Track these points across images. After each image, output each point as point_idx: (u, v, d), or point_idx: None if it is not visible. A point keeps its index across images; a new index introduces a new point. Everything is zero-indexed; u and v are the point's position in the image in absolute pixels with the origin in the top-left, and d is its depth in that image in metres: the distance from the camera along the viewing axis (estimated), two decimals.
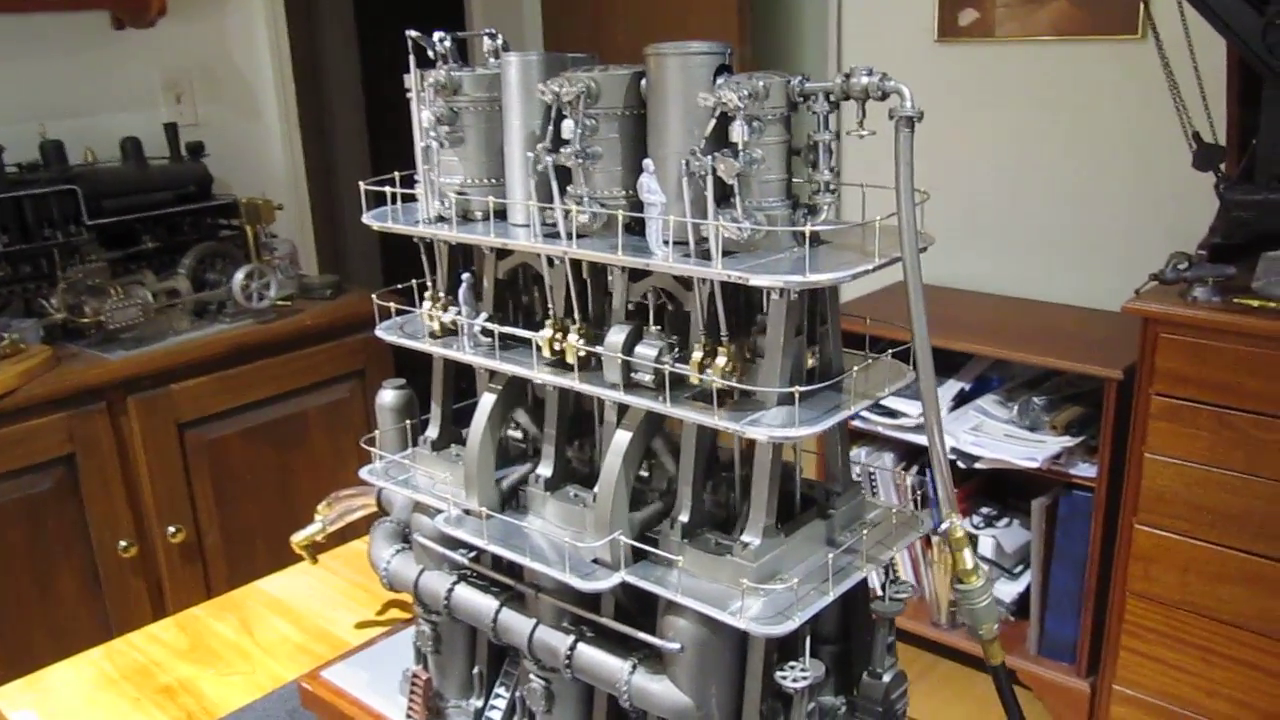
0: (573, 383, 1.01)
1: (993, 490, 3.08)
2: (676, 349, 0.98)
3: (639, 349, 0.98)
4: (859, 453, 3.06)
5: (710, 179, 0.89)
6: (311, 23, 4.53)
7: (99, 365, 2.43)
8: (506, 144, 1.07)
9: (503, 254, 1.13)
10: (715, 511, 1.05)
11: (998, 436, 2.74)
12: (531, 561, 1.02)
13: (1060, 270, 3.04)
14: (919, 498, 3.08)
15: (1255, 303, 2.01)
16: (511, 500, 1.15)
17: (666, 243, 0.93)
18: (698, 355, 0.94)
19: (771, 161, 0.92)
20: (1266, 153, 2.13)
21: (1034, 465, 2.61)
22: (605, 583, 0.98)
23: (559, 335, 1.05)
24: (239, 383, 2.64)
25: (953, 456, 2.83)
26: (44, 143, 2.68)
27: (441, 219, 1.13)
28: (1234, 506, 2.10)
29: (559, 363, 1.06)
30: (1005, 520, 3.03)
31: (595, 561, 1.02)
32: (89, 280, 2.49)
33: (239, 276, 2.63)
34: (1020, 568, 2.98)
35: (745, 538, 0.96)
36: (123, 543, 2.48)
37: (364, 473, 1.25)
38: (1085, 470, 2.62)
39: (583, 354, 1.02)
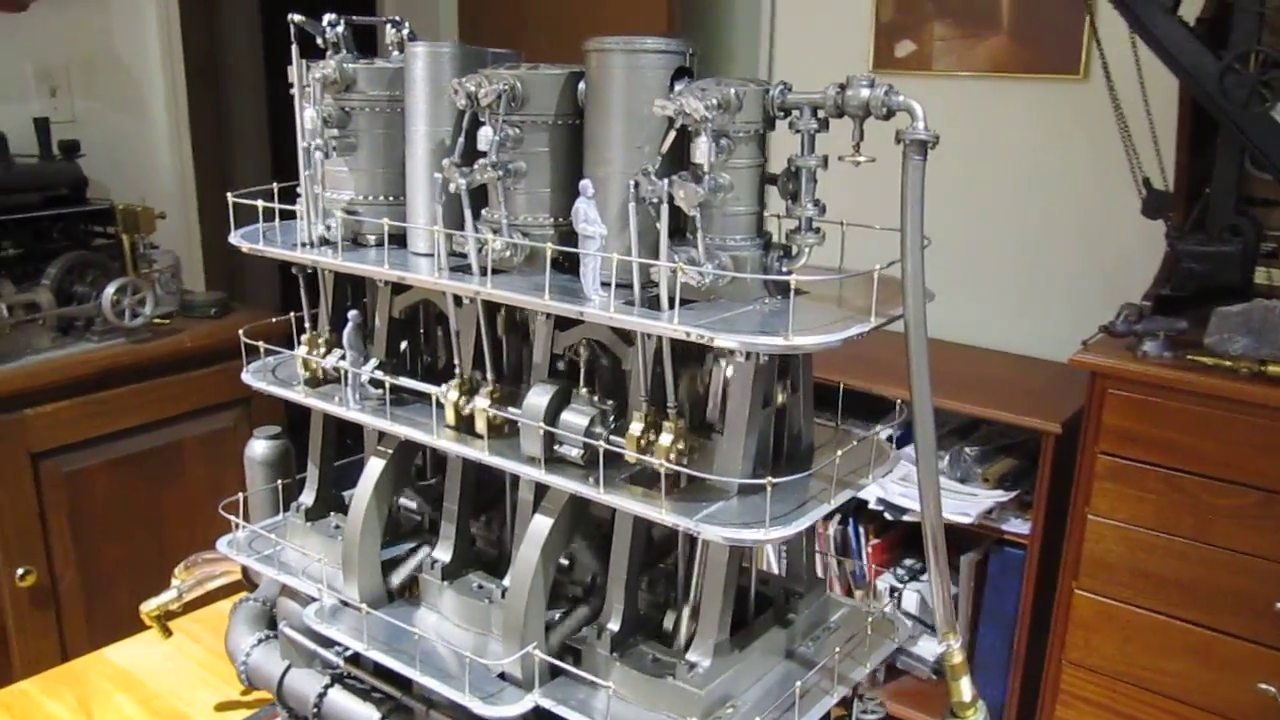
0: (481, 454, 0.81)
1: (917, 541, 2.95)
2: (612, 417, 0.79)
3: (566, 416, 0.79)
4: None
5: (665, 208, 0.70)
6: (209, 12, 4.25)
7: None
8: (409, 154, 0.88)
9: (400, 288, 0.93)
10: (651, 614, 0.86)
11: None
12: (421, 675, 0.82)
13: (996, 316, 2.94)
14: (840, 549, 2.94)
15: (1209, 360, 1.91)
16: (401, 587, 0.95)
17: (606, 285, 0.75)
18: (636, 428, 0.75)
19: (741, 189, 0.74)
20: (1219, 202, 2.03)
21: (966, 521, 2.47)
22: (513, 708, 0.78)
23: (465, 396, 0.85)
24: (105, 409, 2.36)
25: (879, 507, 2.69)
26: None
27: (326, 242, 0.93)
28: (1181, 574, 1.99)
29: (465, 426, 0.86)
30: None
31: (502, 677, 0.82)
32: None
33: (109, 290, 2.36)
34: None
35: (692, 656, 0.77)
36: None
37: (222, 544, 1.04)
38: (1018, 526, 2.49)
39: (495, 420, 0.82)
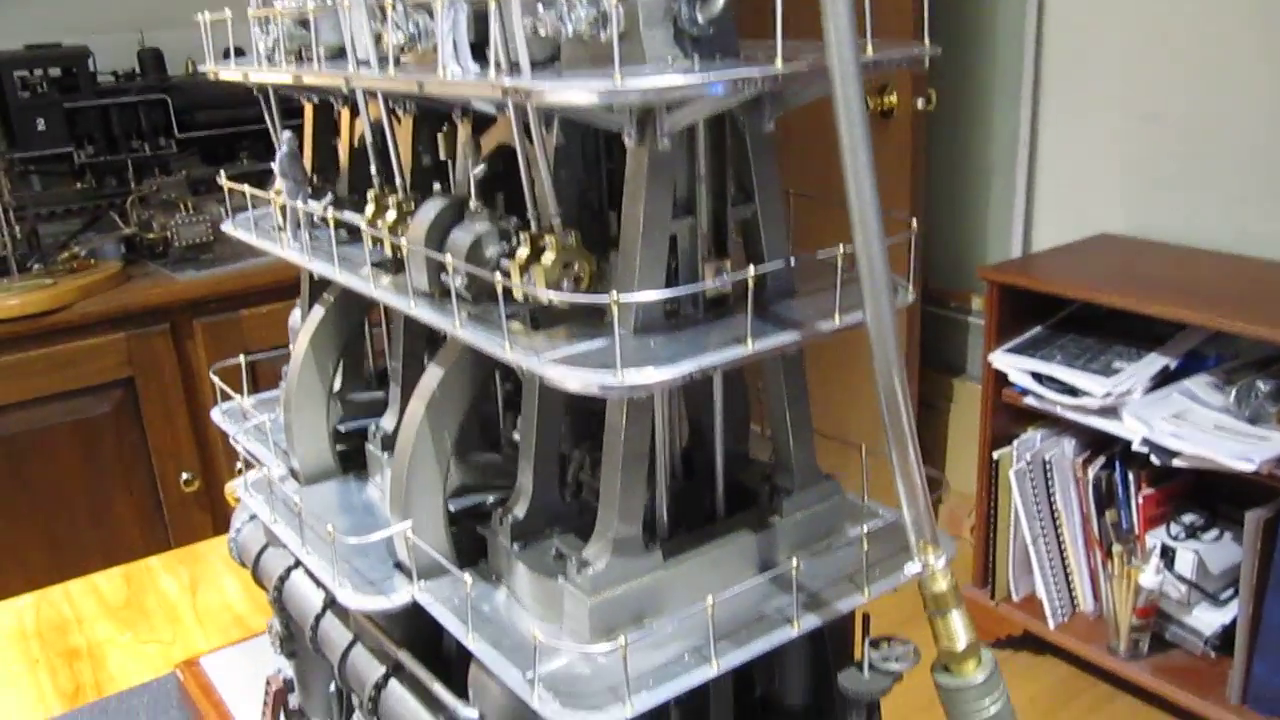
0: (365, 285, 0.66)
1: (1202, 494, 2.49)
2: (517, 238, 0.60)
3: (455, 235, 0.61)
4: (1033, 436, 2.54)
5: None
6: None
7: (164, 285, 2.26)
8: None
9: (358, 111, 0.79)
10: (593, 502, 0.67)
11: (1205, 428, 2.17)
12: (305, 550, 0.68)
13: None
14: (1103, 497, 2.54)
15: None
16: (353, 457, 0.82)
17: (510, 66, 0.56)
18: (524, 251, 0.56)
19: None
20: None
21: (1249, 468, 2.03)
22: (379, 601, 0.63)
23: (379, 214, 0.70)
24: None
25: (1144, 449, 2.28)
26: (141, 51, 2.54)
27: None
28: None
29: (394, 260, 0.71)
30: (1214, 533, 2.44)
31: (398, 566, 0.66)
32: (163, 195, 2.33)
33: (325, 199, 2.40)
34: (1229, 593, 2.39)
35: (587, 553, 0.58)
36: (185, 475, 2.32)
37: (215, 413, 0.95)
38: None
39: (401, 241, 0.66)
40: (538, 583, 0.59)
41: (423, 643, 0.70)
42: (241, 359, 0.95)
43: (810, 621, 0.58)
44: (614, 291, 0.47)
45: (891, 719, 0.70)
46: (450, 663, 0.70)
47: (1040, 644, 2.60)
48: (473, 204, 0.61)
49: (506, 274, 0.57)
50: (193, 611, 1.33)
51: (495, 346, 0.53)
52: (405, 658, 0.66)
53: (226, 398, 0.94)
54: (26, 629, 1.31)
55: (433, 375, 0.63)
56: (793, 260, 0.56)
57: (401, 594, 0.63)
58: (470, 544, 0.66)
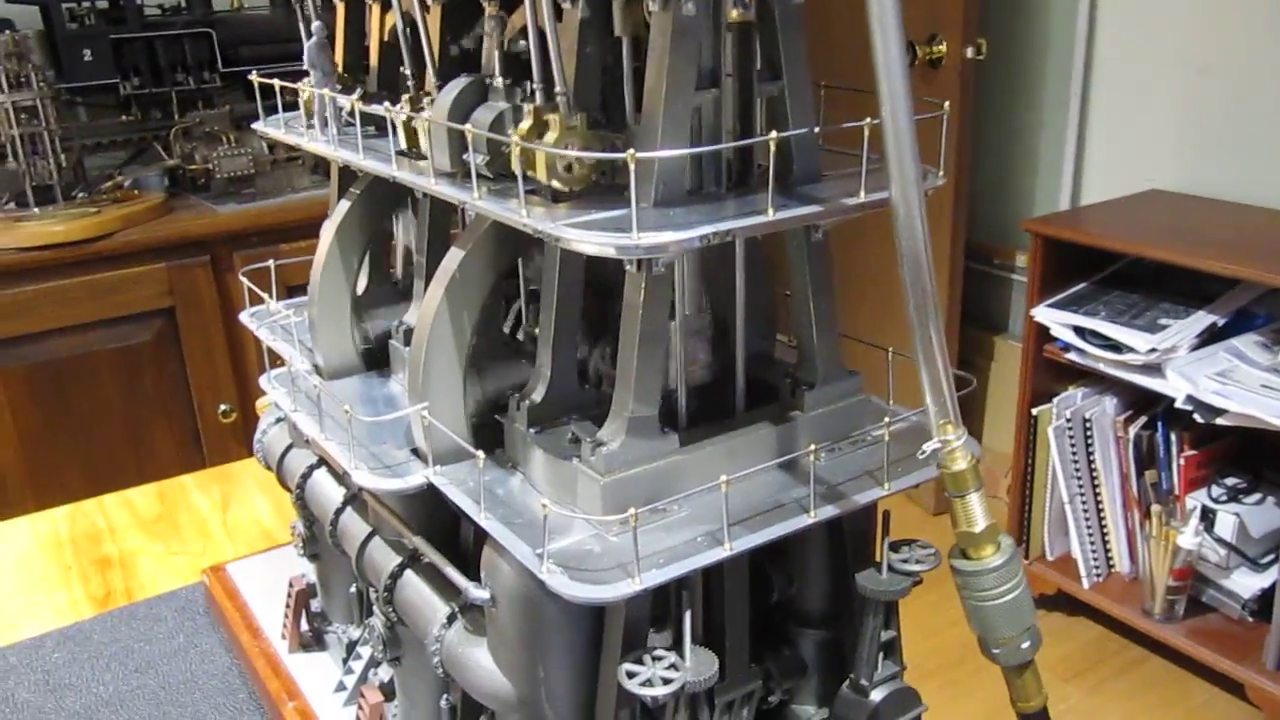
0: (388, 168, 0.65)
1: (1246, 457, 2.44)
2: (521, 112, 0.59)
3: (477, 113, 0.60)
4: (1074, 394, 2.50)
5: None
6: None
7: (205, 216, 2.28)
8: None
9: (388, 5, 0.78)
10: (612, 392, 0.66)
11: (1252, 386, 2.12)
12: (324, 436, 0.68)
13: None
14: (1143, 457, 2.49)
15: None
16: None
17: None
18: (526, 124, 0.55)
19: None
20: None
21: None
22: (394, 482, 0.63)
23: (415, 108, 0.69)
24: None
25: (1187, 406, 2.23)
26: None
27: None
28: None
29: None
30: (1257, 496, 2.39)
31: (415, 453, 0.66)
32: (206, 128, 2.34)
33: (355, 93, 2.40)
34: (1269, 558, 2.35)
35: (603, 434, 0.57)
36: (223, 406, 2.34)
37: (244, 315, 0.96)
38: None
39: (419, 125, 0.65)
40: (552, 465, 0.59)
41: (439, 537, 0.70)
42: (271, 264, 0.95)
43: (827, 511, 0.57)
44: (631, 150, 0.46)
45: (920, 671, 0.69)
46: (465, 557, 0.70)
47: (1074, 604, 2.57)
48: (497, 80, 0.60)
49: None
50: (223, 526, 1.35)
51: (512, 213, 0.52)
52: (420, 543, 0.66)
53: (257, 301, 0.94)
54: (61, 537, 1.33)
55: (453, 257, 0.62)
56: (817, 129, 0.54)
57: (416, 477, 0.62)
58: (488, 436, 0.66)
